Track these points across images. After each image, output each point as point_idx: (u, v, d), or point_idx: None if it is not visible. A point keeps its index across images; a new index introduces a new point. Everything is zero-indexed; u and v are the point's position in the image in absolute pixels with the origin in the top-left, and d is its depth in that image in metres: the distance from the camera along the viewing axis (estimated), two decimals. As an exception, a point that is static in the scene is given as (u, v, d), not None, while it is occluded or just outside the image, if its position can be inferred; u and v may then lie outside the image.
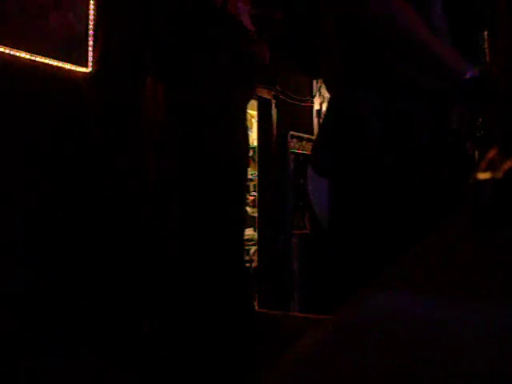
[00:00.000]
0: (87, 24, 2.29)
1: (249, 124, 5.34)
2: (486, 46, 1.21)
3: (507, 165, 0.57)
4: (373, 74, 1.16)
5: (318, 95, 4.92)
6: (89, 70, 2.29)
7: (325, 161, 1.24)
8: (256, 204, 4.49)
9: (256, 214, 4.37)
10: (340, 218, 1.21)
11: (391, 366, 0.27)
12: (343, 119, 1.20)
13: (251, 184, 5.25)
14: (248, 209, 4.89)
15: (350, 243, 1.19)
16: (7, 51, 1.96)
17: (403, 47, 1.10)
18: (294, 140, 4.38)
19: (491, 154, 0.62)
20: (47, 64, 2.12)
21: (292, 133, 4.33)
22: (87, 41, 2.29)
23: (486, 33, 1.22)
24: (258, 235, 4.26)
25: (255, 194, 4.74)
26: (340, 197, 1.20)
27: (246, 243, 4.38)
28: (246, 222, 2.29)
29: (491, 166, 0.60)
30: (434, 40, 1.08)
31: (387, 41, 1.11)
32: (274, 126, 4.19)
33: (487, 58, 1.21)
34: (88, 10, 2.29)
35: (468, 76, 1.08)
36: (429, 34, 1.08)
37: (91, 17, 2.30)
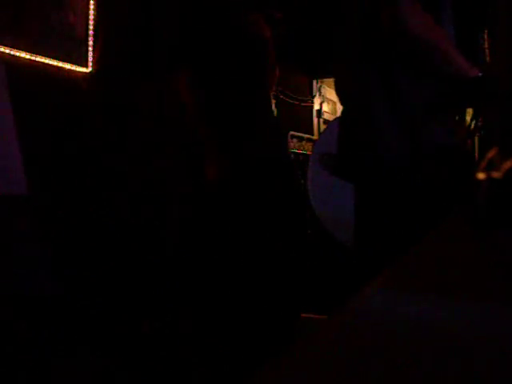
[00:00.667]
0: (87, 24, 2.29)
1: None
2: (486, 46, 1.21)
3: (507, 165, 0.57)
4: (392, 79, 1.18)
5: (318, 95, 4.91)
6: (89, 69, 2.29)
7: (349, 166, 1.25)
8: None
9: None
10: (368, 222, 1.22)
11: (391, 366, 0.27)
12: (360, 127, 1.21)
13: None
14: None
15: (375, 243, 1.20)
16: (7, 51, 1.96)
17: (432, 59, 1.17)
18: (294, 140, 4.38)
19: (491, 153, 0.62)
20: (47, 64, 2.12)
21: (292, 133, 4.34)
22: (87, 41, 2.29)
23: (486, 33, 1.22)
24: (258, 235, 4.25)
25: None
26: (366, 200, 1.21)
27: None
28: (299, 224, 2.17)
29: (491, 166, 0.60)
30: (456, 53, 1.16)
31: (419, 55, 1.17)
32: (274, 125, 4.19)
33: (487, 58, 1.22)
34: (88, 9, 2.29)
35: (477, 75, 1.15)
36: (452, 47, 1.15)
37: (91, 17, 2.30)
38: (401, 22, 1.14)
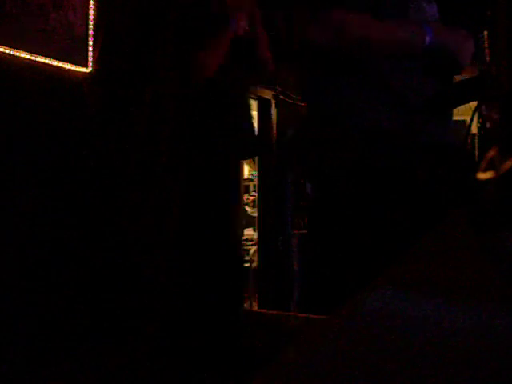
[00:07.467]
0: (87, 24, 2.29)
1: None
2: (486, 45, 1.21)
3: (507, 165, 0.57)
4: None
5: (318, 95, 4.90)
6: (89, 70, 2.29)
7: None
8: (256, 204, 4.49)
9: (256, 214, 4.37)
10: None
11: (390, 366, 0.27)
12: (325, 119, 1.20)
13: (251, 184, 5.25)
14: (248, 209, 4.90)
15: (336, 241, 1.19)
16: (7, 51, 1.96)
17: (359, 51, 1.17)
18: (294, 140, 4.37)
19: (491, 153, 0.62)
20: (47, 64, 2.12)
21: (292, 133, 4.33)
22: (87, 41, 2.29)
23: (486, 33, 1.22)
24: (258, 235, 4.26)
25: (255, 194, 4.74)
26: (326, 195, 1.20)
27: (246, 243, 4.38)
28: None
29: (491, 166, 0.60)
30: (385, 28, 1.14)
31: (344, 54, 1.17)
32: (274, 126, 4.19)
33: (487, 58, 1.21)
34: (88, 9, 2.29)
35: (427, 41, 1.14)
36: (380, 26, 1.14)
37: (91, 17, 2.30)
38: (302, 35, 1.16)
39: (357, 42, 1.14)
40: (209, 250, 2.09)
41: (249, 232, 4.53)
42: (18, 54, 2.00)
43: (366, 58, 1.16)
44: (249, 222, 4.61)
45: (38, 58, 2.08)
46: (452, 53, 1.20)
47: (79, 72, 2.26)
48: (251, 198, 5.03)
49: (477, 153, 1.23)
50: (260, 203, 4.29)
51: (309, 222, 1.18)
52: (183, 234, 2.11)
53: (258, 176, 4.36)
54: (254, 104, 4.25)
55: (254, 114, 4.47)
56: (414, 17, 1.21)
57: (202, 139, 2.09)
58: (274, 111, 4.16)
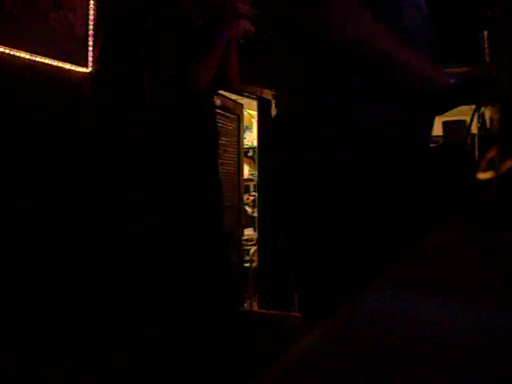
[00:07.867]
0: (87, 24, 2.29)
1: (249, 124, 5.34)
2: (486, 45, 1.21)
3: (507, 165, 0.56)
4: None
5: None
6: (89, 70, 2.29)
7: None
8: (256, 204, 4.49)
9: (256, 214, 4.37)
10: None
11: (390, 366, 0.27)
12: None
13: (251, 184, 5.25)
14: (248, 209, 4.90)
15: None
16: (7, 51, 1.96)
17: (373, 63, 1.14)
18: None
19: (491, 153, 0.62)
20: (47, 64, 2.12)
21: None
22: (87, 41, 2.29)
23: (486, 33, 1.21)
24: (258, 235, 4.26)
25: (255, 194, 4.74)
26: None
27: (246, 243, 4.38)
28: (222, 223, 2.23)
29: (491, 166, 0.60)
30: (405, 52, 1.12)
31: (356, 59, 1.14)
32: (274, 125, 4.18)
33: (487, 58, 1.21)
34: (88, 9, 2.29)
35: (451, 82, 1.12)
36: (400, 47, 1.11)
37: (91, 17, 2.30)
38: (322, 22, 1.10)
39: (355, 42, 1.13)
40: (209, 249, 2.09)
41: (249, 232, 4.53)
42: (18, 53, 2.00)
43: (364, 58, 1.16)
44: (249, 222, 4.61)
45: (38, 58, 2.08)
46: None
47: (79, 72, 2.26)
48: (251, 197, 5.04)
49: (477, 153, 1.23)
50: (260, 203, 4.29)
51: (308, 223, 1.17)
52: (183, 234, 2.11)
53: (258, 176, 4.36)
54: (254, 104, 4.25)
55: (254, 113, 4.47)
56: (407, 14, 1.21)
57: (201, 139, 2.09)
58: (274, 111, 4.16)
